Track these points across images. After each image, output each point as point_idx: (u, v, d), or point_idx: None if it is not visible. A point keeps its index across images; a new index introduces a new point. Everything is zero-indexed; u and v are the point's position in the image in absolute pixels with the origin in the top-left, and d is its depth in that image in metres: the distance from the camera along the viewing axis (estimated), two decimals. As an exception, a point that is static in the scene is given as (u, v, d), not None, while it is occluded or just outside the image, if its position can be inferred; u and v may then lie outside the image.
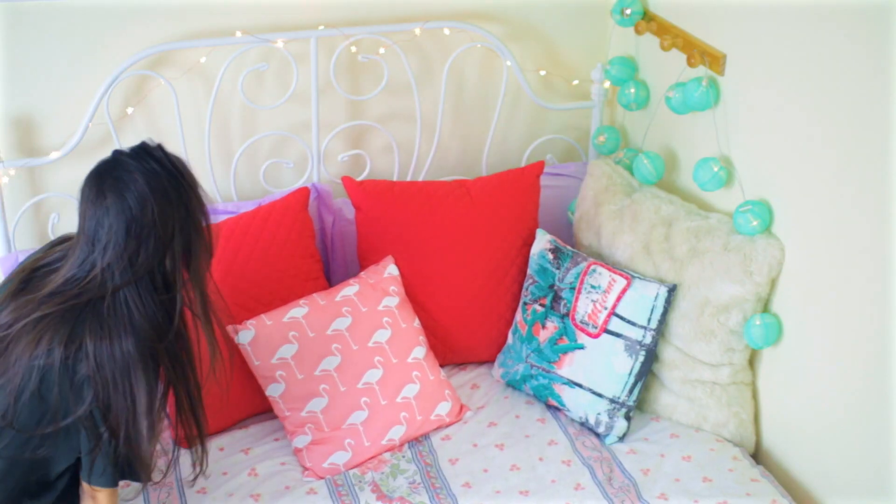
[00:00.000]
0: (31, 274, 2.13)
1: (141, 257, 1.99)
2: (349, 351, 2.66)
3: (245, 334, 2.63)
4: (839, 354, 2.50)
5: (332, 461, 2.59)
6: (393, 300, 2.77)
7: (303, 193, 2.90)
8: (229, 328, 2.63)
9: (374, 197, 2.90)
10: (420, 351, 2.75)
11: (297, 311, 2.67)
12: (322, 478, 2.58)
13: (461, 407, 2.79)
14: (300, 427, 2.61)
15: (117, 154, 2.05)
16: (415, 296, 2.88)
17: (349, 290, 2.75)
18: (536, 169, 3.00)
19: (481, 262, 2.91)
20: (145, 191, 1.98)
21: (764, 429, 2.79)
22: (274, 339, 2.62)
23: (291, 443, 2.63)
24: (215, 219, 2.91)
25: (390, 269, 2.83)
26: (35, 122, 2.82)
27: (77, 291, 2.00)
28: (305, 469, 2.60)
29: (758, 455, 2.81)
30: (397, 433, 2.66)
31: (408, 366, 2.71)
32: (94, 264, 2.00)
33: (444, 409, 2.73)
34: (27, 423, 2.03)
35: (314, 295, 2.74)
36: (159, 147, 2.06)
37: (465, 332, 2.92)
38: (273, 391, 2.62)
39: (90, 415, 2.02)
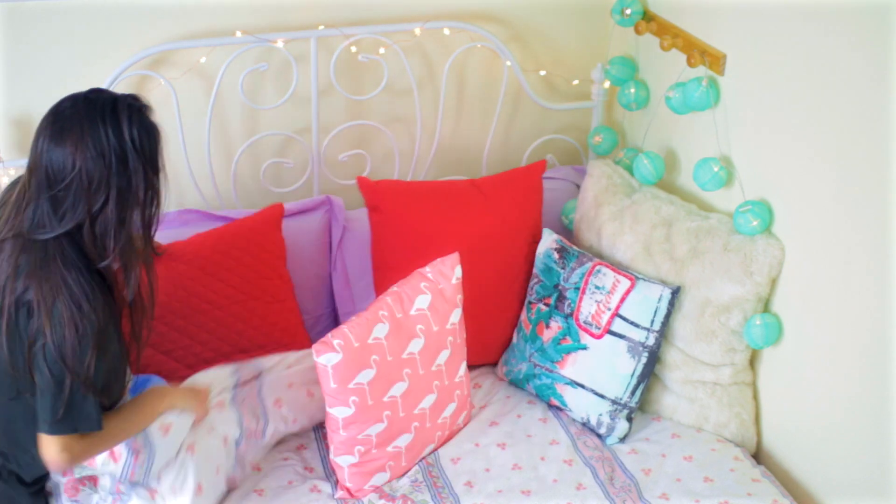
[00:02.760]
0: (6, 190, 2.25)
1: (64, 213, 2.06)
2: (416, 376, 2.57)
3: (331, 356, 2.45)
4: (839, 354, 2.50)
5: (373, 483, 2.55)
6: (457, 314, 2.66)
7: (276, 210, 2.85)
8: (316, 347, 2.46)
9: (390, 197, 2.88)
10: (463, 366, 2.72)
11: (381, 328, 2.51)
12: (357, 497, 2.53)
13: (469, 405, 2.78)
14: (349, 448, 2.52)
15: (84, 102, 2.08)
16: None
17: (422, 300, 2.60)
18: (539, 168, 3.01)
19: (495, 262, 2.90)
20: (90, 157, 2.03)
21: (764, 429, 2.79)
22: (357, 362, 2.48)
23: (331, 457, 2.55)
24: (211, 225, 2.91)
25: (457, 273, 2.67)
26: (35, 122, 2.76)
27: (19, 226, 2.08)
28: (339, 488, 2.54)
29: (759, 455, 2.81)
30: (429, 450, 2.64)
31: (454, 385, 2.67)
32: (30, 203, 2.08)
33: (462, 417, 2.73)
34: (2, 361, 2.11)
35: (388, 301, 2.57)
36: (133, 113, 2.09)
37: (477, 335, 2.90)
38: (339, 413, 2.50)
39: (42, 353, 2.06)
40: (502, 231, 2.92)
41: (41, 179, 2.06)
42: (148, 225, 2.16)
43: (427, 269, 2.65)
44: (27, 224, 2.08)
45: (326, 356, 2.44)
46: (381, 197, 2.89)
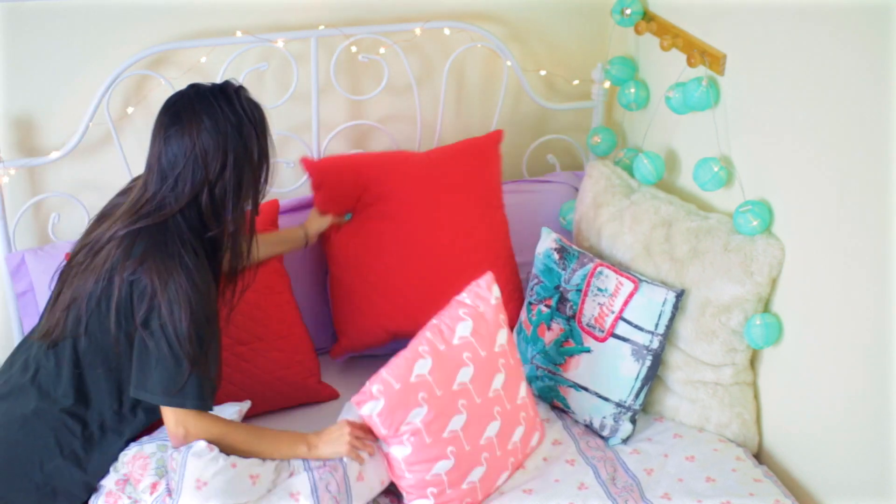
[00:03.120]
0: (111, 203, 2.42)
1: (183, 186, 2.22)
2: (473, 405, 2.46)
3: (373, 405, 2.37)
4: (840, 354, 2.50)
5: None
6: (504, 335, 2.55)
7: (272, 206, 2.87)
8: (355, 399, 2.41)
9: (334, 173, 2.88)
10: (523, 387, 2.60)
11: (422, 364, 2.41)
12: None
13: (540, 424, 2.68)
14: (422, 490, 2.43)
15: (192, 89, 2.26)
16: (379, 267, 2.87)
17: (464, 327, 2.48)
18: (495, 137, 3.00)
19: (448, 227, 2.89)
20: (206, 129, 2.20)
21: (766, 429, 2.79)
22: (403, 404, 2.39)
23: (406, 502, 2.47)
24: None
25: (495, 292, 2.56)
26: (35, 122, 2.82)
27: (135, 217, 2.24)
28: None
29: (760, 455, 2.81)
30: (503, 478, 2.54)
31: (516, 407, 2.56)
32: (148, 191, 2.25)
33: (535, 438, 2.63)
34: (95, 331, 2.26)
35: (429, 337, 2.46)
36: (237, 90, 2.27)
37: (438, 302, 2.70)
38: (397, 453, 2.42)
39: (160, 331, 2.20)
40: (454, 194, 2.90)
41: (163, 168, 2.23)
42: (259, 191, 2.32)
43: (464, 294, 2.54)
44: (146, 212, 2.24)
45: (368, 406, 2.37)
46: (325, 173, 2.88)
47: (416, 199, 2.90)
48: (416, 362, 2.40)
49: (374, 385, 2.37)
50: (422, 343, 2.43)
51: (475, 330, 2.48)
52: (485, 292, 2.54)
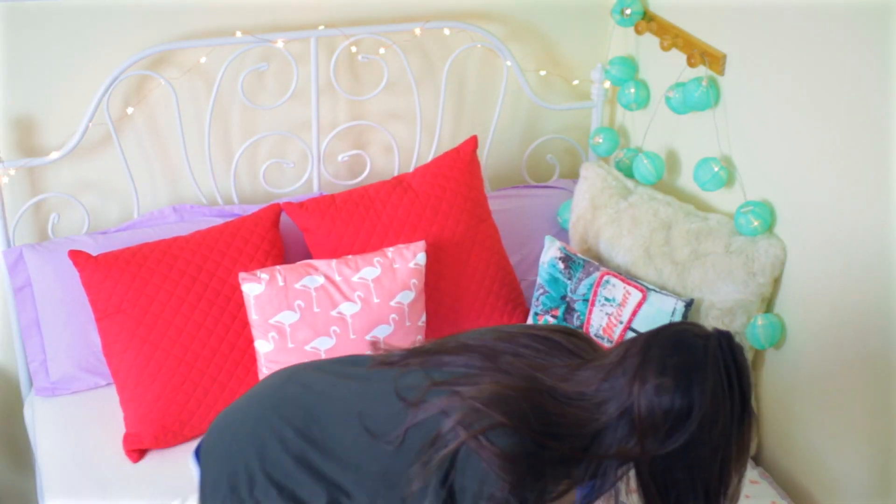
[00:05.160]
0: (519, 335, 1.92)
1: (629, 449, 1.75)
2: (346, 338, 2.61)
3: (253, 286, 2.59)
4: (840, 354, 2.50)
5: None
6: (407, 295, 2.69)
7: (274, 210, 2.83)
8: (241, 275, 2.58)
9: (318, 215, 2.82)
10: None
11: (313, 279, 2.62)
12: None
13: None
14: None
15: (701, 340, 1.79)
16: None
17: (370, 271, 2.67)
18: (470, 145, 2.98)
19: (443, 249, 2.86)
20: (704, 396, 1.74)
21: (764, 429, 2.79)
22: (278, 301, 2.58)
23: None
24: (211, 222, 2.91)
25: (419, 259, 2.73)
26: (35, 122, 2.82)
27: (564, 431, 1.77)
28: None
29: (757, 456, 2.81)
30: None
31: None
32: (600, 418, 1.78)
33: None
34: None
35: (334, 263, 2.65)
36: (731, 347, 1.80)
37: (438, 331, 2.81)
38: (260, 347, 2.61)
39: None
40: (442, 217, 2.87)
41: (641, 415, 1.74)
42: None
43: (389, 248, 2.73)
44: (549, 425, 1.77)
45: (249, 286, 2.59)
46: (309, 216, 2.82)
47: (404, 233, 2.83)
48: (308, 274, 2.60)
49: (263, 271, 2.55)
50: (325, 264, 2.62)
51: (379, 279, 2.65)
52: (409, 254, 2.72)
